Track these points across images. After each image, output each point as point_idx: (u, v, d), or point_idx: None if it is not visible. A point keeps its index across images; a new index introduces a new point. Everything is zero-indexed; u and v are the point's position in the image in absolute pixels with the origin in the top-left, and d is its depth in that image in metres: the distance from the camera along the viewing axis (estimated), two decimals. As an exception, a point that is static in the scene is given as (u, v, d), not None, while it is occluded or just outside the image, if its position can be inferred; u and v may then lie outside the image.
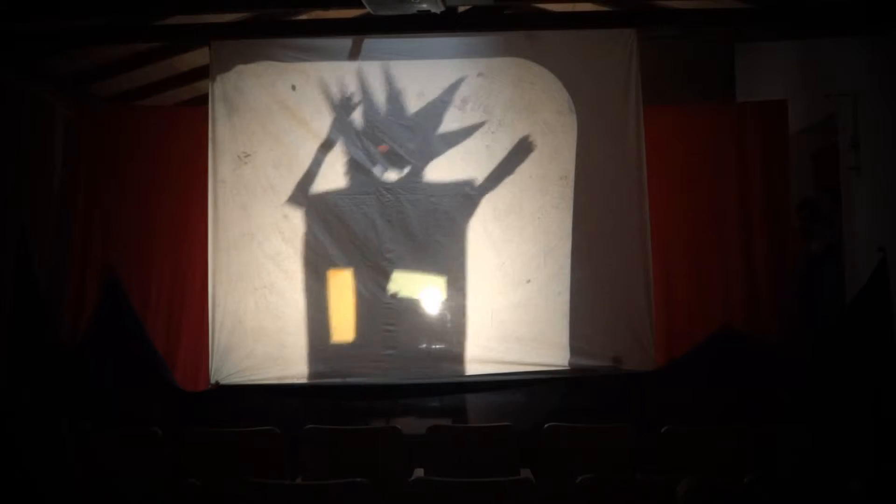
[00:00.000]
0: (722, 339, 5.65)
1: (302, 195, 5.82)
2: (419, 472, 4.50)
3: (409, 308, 5.81)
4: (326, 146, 5.84)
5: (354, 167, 5.83)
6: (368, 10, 4.64)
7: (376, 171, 5.83)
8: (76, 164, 5.92)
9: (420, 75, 5.91)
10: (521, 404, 5.58)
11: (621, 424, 4.66)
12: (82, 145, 5.92)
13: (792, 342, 5.49)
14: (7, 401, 5.12)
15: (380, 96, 5.86)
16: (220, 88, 5.87)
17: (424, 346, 5.82)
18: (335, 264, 5.79)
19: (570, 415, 5.03)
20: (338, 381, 5.74)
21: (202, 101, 6.16)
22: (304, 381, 5.74)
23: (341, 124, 5.85)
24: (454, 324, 5.80)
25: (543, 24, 5.99)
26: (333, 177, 5.84)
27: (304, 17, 6.02)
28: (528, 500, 3.80)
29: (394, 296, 5.77)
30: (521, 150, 5.85)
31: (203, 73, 6.26)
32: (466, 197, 5.82)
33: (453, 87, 5.86)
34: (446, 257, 5.81)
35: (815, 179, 6.49)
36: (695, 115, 6.11)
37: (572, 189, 5.83)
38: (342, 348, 5.78)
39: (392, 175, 5.83)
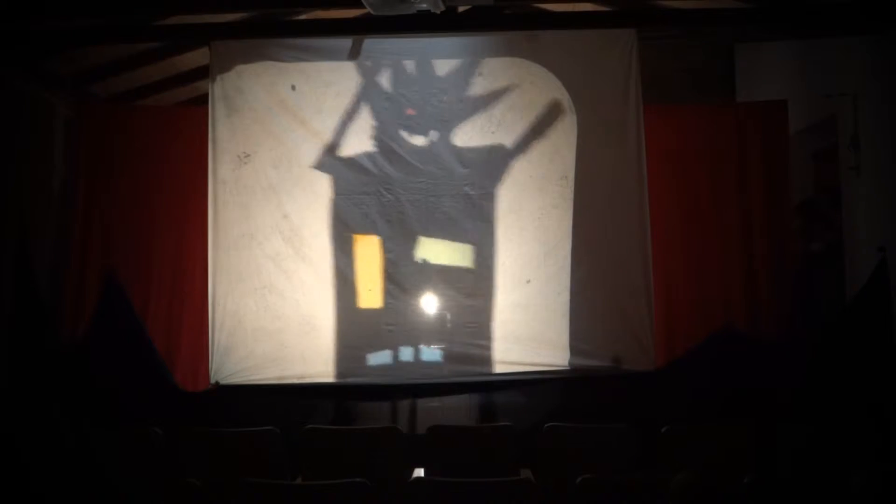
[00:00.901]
0: (722, 339, 5.65)
1: (329, 159, 5.84)
2: (419, 472, 4.50)
3: (408, 308, 5.81)
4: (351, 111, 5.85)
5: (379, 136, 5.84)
6: (368, 10, 4.64)
7: (402, 133, 5.84)
8: (76, 164, 5.92)
9: (419, 75, 5.91)
10: (521, 404, 5.58)
11: (621, 424, 4.66)
12: (82, 145, 5.92)
13: (792, 342, 5.49)
14: (7, 401, 5.12)
15: (410, 65, 5.89)
16: (220, 88, 5.87)
17: (423, 346, 5.82)
18: (359, 231, 5.81)
19: (570, 415, 5.03)
20: (338, 381, 5.75)
21: (202, 101, 6.16)
22: (303, 381, 5.74)
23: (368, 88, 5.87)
24: (454, 324, 5.80)
25: (543, 24, 5.98)
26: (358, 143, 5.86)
27: (304, 17, 6.02)
28: (528, 500, 3.80)
29: (424, 261, 5.79)
30: (551, 113, 5.85)
31: (203, 73, 6.26)
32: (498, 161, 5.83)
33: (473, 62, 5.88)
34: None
35: (815, 179, 6.49)
36: (695, 115, 6.11)
37: (572, 189, 5.83)
38: (342, 349, 5.78)
39: (418, 139, 5.84)
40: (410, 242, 5.84)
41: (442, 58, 5.94)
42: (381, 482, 4.01)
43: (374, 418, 5.42)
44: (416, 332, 5.82)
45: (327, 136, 5.87)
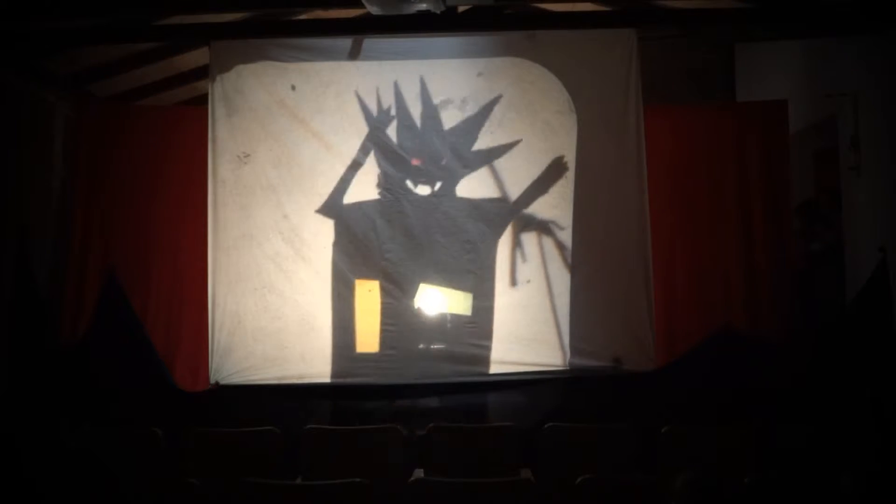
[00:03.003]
0: (722, 339, 5.64)
1: (334, 205, 5.83)
2: (419, 473, 4.50)
3: (408, 308, 5.81)
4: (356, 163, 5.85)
5: (385, 180, 5.83)
6: (368, 10, 4.64)
7: (408, 183, 5.83)
8: (76, 164, 5.92)
9: (419, 76, 5.91)
10: (521, 404, 5.58)
11: (621, 424, 4.66)
12: (82, 145, 5.92)
13: (792, 342, 5.49)
14: (7, 401, 5.12)
15: (415, 111, 5.87)
16: (220, 88, 5.87)
17: (423, 346, 5.82)
18: (361, 275, 5.79)
19: (570, 415, 5.03)
20: (338, 381, 5.75)
21: (202, 101, 6.16)
22: (303, 381, 5.74)
23: (375, 138, 5.86)
24: (454, 324, 5.80)
25: (543, 24, 5.98)
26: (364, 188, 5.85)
27: (304, 17, 6.02)
28: (528, 500, 3.80)
29: (418, 310, 5.78)
30: (554, 170, 5.85)
31: (203, 73, 6.26)
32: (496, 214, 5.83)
33: (491, 104, 5.86)
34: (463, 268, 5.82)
35: (816, 179, 6.49)
36: (695, 115, 6.11)
37: (572, 189, 5.83)
38: (342, 349, 5.79)
39: (423, 189, 5.84)
40: (410, 242, 5.84)
41: (442, 57, 5.94)
42: (381, 482, 4.02)
43: (374, 418, 5.41)
44: (416, 332, 5.81)
45: (327, 136, 5.87)
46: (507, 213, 5.84)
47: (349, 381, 5.75)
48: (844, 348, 5.04)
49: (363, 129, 5.87)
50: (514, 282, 5.81)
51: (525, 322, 5.77)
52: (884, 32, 5.10)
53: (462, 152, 5.85)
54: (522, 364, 5.74)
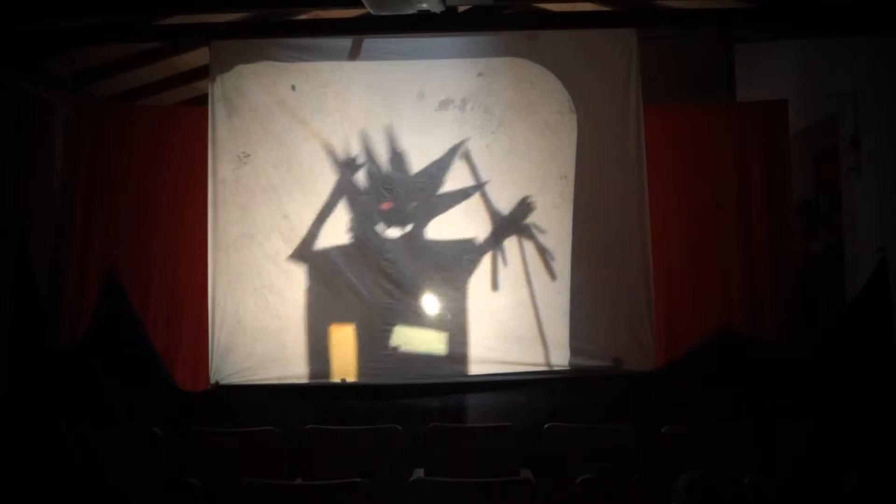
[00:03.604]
0: (722, 339, 5.64)
1: (305, 252, 5.82)
2: (419, 472, 4.50)
3: (408, 308, 5.81)
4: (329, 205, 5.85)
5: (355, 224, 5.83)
6: (368, 10, 4.64)
7: (378, 228, 5.83)
8: (76, 164, 5.92)
9: (420, 75, 5.91)
10: (521, 404, 5.58)
11: (621, 424, 4.65)
12: (82, 145, 5.92)
13: (792, 342, 5.49)
14: (7, 401, 5.12)
15: (383, 156, 5.86)
16: (220, 88, 5.87)
17: (423, 345, 5.81)
18: (337, 319, 5.78)
19: (570, 415, 5.03)
20: (338, 381, 5.74)
21: (202, 101, 6.16)
22: (304, 381, 5.74)
23: (345, 182, 5.85)
24: (454, 324, 5.79)
25: (543, 24, 5.99)
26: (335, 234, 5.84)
27: (304, 17, 6.02)
28: (528, 500, 3.80)
29: (395, 349, 5.77)
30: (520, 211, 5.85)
31: (203, 73, 6.26)
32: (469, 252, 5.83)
33: (454, 150, 5.85)
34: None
35: (816, 179, 6.49)
36: (695, 115, 6.11)
37: (572, 189, 5.83)
38: (342, 349, 5.79)
39: (393, 232, 5.84)
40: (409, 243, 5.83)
41: (442, 57, 5.94)
42: (381, 482, 4.02)
43: (374, 418, 5.41)
44: (416, 332, 5.81)
45: (327, 137, 5.87)
46: (477, 253, 5.83)
47: (350, 381, 5.74)
48: (844, 348, 5.03)
49: (363, 133, 5.87)
50: (515, 283, 5.81)
51: (525, 322, 5.77)
52: (884, 32, 5.11)
53: (429, 196, 5.84)
54: (523, 364, 5.74)
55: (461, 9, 5.33)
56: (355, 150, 5.86)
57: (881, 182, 5.33)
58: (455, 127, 5.88)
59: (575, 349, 5.72)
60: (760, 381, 5.36)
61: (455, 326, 5.79)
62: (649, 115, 5.82)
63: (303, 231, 5.83)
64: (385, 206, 5.85)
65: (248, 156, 5.87)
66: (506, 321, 5.78)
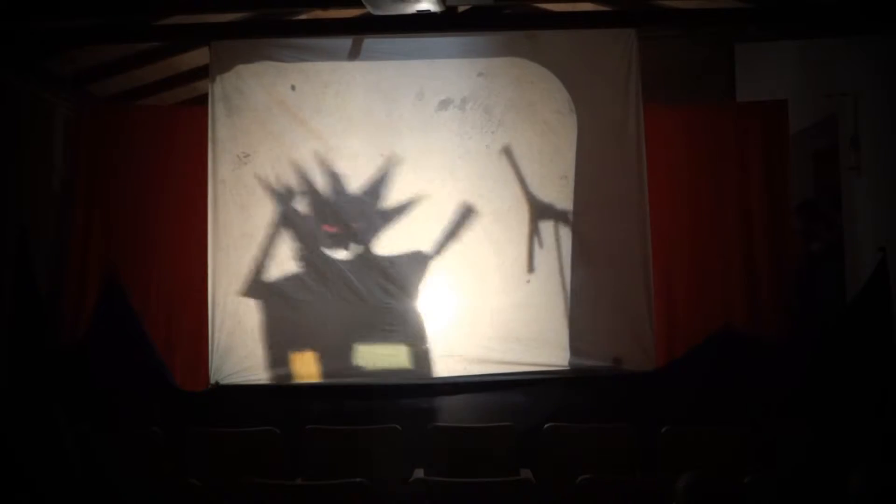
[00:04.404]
0: (722, 339, 5.64)
1: (257, 286, 5.80)
2: (419, 473, 4.50)
3: (408, 308, 5.81)
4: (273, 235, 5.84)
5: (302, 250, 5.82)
6: (368, 10, 4.64)
7: (324, 250, 5.82)
8: (76, 164, 5.92)
9: (420, 75, 5.91)
10: (521, 404, 5.57)
11: (621, 424, 4.66)
12: (82, 145, 5.92)
13: (792, 342, 5.48)
14: (7, 401, 5.12)
15: (319, 180, 5.84)
16: (220, 88, 5.87)
17: (423, 346, 5.81)
18: (296, 347, 5.78)
19: (570, 415, 5.03)
20: (338, 381, 5.75)
21: (202, 101, 6.16)
22: (303, 381, 5.73)
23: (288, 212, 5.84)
24: (453, 324, 5.80)
25: (543, 24, 5.99)
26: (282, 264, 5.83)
27: (304, 17, 6.02)
28: (528, 500, 3.80)
29: (358, 367, 5.76)
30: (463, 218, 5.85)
31: (203, 73, 6.26)
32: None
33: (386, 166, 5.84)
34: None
35: (815, 179, 6.49)
36: (695, 115, 6.10)
37: (572, 189, 5.83)
38: (342, 349, 5.79)
39: (340, 253, 5.82)
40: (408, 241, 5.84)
41: (442, 57, 5.94)
42: (381, 482, 4.02)
43: (374, 418, 5.42)
44: (416, 332, 5.81)
45: (327, 136, 5.87)
46: (423, 265, 5.83)
47: (349, 381, 5.75)
48: (844, 348, 5.03)
49: (362, 135, 5.87)
50: (516, 280, 5.81)
51: (525, 322, 5.77)
52: (884, 32, 5.10)
53: (369, 213, 5.84)
54: (522, 364, 5.74)
55: (461, 9, 5.33)
56: (290, 179, 5.85)
57: (881, 182, 5.33)
58: (455, 127, 5.88)
59: (575, 349, 5.73)
60: (760, 381, 5.36)
61: (454, 327, 5.79)
62: (649, 115, 5.82)
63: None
64: (328, 228, 5.81)
65: (248, 156, 5.87)
66: (506, 321, 5.78)
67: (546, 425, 4.70)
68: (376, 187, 5.85)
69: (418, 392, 5.72)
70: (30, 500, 3.76)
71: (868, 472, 3.04)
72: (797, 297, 5.70)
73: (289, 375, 5.75)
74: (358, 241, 5.83)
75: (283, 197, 5.84)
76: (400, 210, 5.84)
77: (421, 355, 5.77)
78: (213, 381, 5.72)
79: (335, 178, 5.85)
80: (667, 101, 6.44)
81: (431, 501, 3.82)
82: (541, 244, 5.83)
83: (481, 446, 4.76)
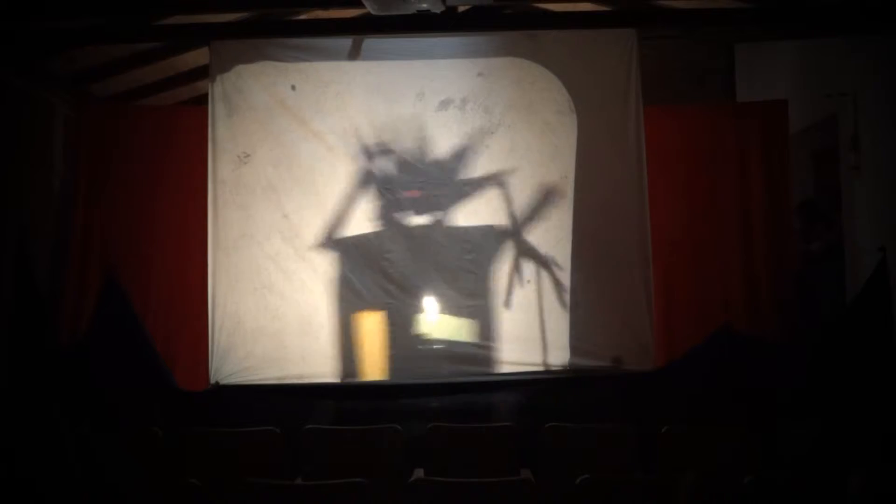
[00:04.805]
0: (722, 339, 5.64)
1: (331, 239, 5.83)
2: (419, 472, 4.50)
3: (409, 308, 5.81)
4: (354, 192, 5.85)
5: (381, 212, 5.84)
6: (368, 10, 4.64)
7: (403, 214, 5.84)
8: (76, 164, 5.92)
9: (420, 75, 5.91)
10: (521, 404, 5.58)
11: (621, 424, 4.65)
12: (82, 145, 5.92)
13: (792, 342, 5.48)
14: (7, 401, 5.12)
15: (409, 144, 5.87)
16: (220, 88, 5.87)
17: (423, 346, 5.82)
18: (364, 306, 5.80)
19: (570, 415, 5.02)
20: (338, 381, 5.75)
21: (202, 101, 6.16)
22: (303, 381, 5.74)
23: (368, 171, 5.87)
24: (454, 324, 5.80)
25: (543, 24, 5.99)
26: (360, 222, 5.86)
27: (304, 17, 6.02)
28: (528, 500, 3.80)
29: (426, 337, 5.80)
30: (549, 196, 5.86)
31: (203, 73, 6.26)
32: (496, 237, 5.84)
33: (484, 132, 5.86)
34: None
35: (815, 179, 6.49)
36: (695, 115, 6.11)
37: (572, 189, 5.83)
38: (342, 349, 5.79)
39: (419, 219, 5.85)
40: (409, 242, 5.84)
41: (442, 57, 5.94)
42: (381, 482, 4.01)
43: (374, 418, 5.41)
44: (416, 332, 5.81)
45: (327, 136, 5.87)
46: (501, 239, 5.84)
47: (349, 380, 5.75)
48: (844, 348, 5.03)
49: (362, 136, 5.88)
50: (515, 283, 5.82)
51: (525, 322, 5.77)
52: (884, 32, 5.10)
53: (456, 182, 5.84)
54: (523, 364, 5.75)
55: (461, 9, 5.33)
56: (384, 135, 5.87)
57: (881, 182, 5.33)
58: (455, 127, 5.88)
59: (575, 349, 5.73)
60: (760, 381, 5.36)
61: (455, 328, 5.80)
62: (649, 115, 5.82)
63: (303, 231, 5.83)
64: (410, 193, 5.83)
65: (248, 156, 5.87)
66: (505, 321, 5.78)
67: (546, 425, 4.69)
68: (466, 157, 5.86)
69: (418, 392, 5.72)
70: (30, 500, 3.76)
71: (868, 472, 3.04)
72: (797, 297, 5.70)
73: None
74: (438, 209, 5.84)
75: (370, 153, 5.85)
76: (484, 182, 5.86)
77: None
78: (213, 381, 5.72)
79: (425, 141, 5.87)
80: (667, 101, 6.44)
81: (431, 501, 3.82)
82: (540, 244, 5.83)
83: (481, 446, 4.76)
